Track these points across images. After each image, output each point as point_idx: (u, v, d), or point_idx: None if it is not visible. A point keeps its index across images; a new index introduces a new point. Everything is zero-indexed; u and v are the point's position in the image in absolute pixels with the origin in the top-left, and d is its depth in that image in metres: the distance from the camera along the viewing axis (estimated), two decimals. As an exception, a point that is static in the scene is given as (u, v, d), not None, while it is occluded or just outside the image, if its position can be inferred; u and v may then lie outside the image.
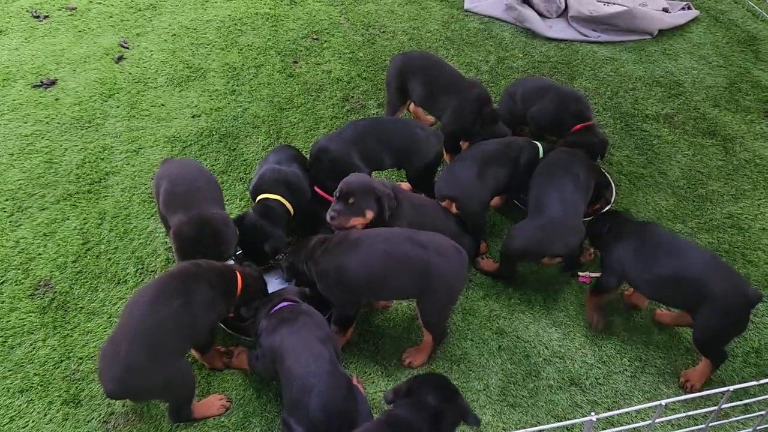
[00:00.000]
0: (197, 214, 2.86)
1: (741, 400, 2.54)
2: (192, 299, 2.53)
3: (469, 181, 3.26)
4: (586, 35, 4.90)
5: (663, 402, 1.74)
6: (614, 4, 5.04)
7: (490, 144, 3.45)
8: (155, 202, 3.12)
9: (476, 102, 3.60)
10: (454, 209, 3.27)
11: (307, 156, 3.41)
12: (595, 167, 3.45)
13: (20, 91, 4.17)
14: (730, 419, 2.09)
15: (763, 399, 1.93)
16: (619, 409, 2.76)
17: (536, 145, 3.47)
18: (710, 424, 1.90)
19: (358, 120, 3.51)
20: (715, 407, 1.86)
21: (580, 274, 3.34)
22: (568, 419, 2.72)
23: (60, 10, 4.88)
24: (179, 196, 2.92)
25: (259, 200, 3.15)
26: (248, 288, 2.74)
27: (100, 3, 4.96)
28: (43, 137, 3.89)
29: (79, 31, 4.66)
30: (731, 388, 1.79)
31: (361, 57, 4.58)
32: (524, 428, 2.37)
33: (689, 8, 5.21)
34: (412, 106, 3.99)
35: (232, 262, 2.94)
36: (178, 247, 2.86)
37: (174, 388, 2.57)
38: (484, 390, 2.87)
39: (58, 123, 3.98)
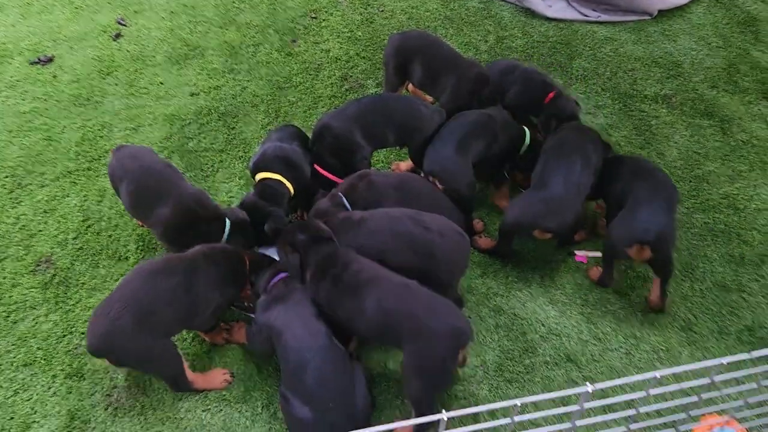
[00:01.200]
0: (173, 200, 2.87)
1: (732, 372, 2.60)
2: (195, 279, 2.56)
3: (449, 156, 3.20)
4: (585, 15, 4.87)
5: (657, 374, 1.77)
6: (614, -17, 4.99)
7: (471, 114, 3.39)
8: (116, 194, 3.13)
9: (474, 82, 3.59)
10: (439, 186, 3.20)
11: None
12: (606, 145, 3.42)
13: (17, 67, 4.15)
14: (722, 392, 2.15)
15: (755, 372, 1.98)
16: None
17: (523, 128, 3.47)
18: (703, 396, 1.94)
19: (362, 97, 3.50)
20: (707, 379, 1.90)
21: (577, 253, 3.37)
22: (564, 394, 2.77)
23: (56, -14, 4.82)
24: (151, 189, 2.91)
25: (259, 180, 3.16)
26: (255, 266, 2.78)
27: (96, -20, 4.91)
28: (41, 114, 3.88)
29: (76, 8, 4.61)
30: (724, 360, 1.83)
31: (359, 36, 4.56)
32: (520, 402, 2.43)
33: (689, -12, 5.17)
34: (411, 87, 3.99)
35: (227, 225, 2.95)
36: (172, 240, 2.87)
37: (153, 363, 2.59)
38: (481, 366, 2.92)
39: (57, 100, 3.97)
